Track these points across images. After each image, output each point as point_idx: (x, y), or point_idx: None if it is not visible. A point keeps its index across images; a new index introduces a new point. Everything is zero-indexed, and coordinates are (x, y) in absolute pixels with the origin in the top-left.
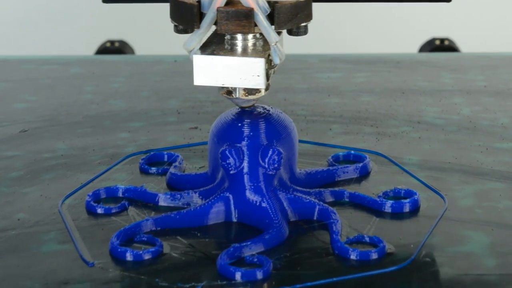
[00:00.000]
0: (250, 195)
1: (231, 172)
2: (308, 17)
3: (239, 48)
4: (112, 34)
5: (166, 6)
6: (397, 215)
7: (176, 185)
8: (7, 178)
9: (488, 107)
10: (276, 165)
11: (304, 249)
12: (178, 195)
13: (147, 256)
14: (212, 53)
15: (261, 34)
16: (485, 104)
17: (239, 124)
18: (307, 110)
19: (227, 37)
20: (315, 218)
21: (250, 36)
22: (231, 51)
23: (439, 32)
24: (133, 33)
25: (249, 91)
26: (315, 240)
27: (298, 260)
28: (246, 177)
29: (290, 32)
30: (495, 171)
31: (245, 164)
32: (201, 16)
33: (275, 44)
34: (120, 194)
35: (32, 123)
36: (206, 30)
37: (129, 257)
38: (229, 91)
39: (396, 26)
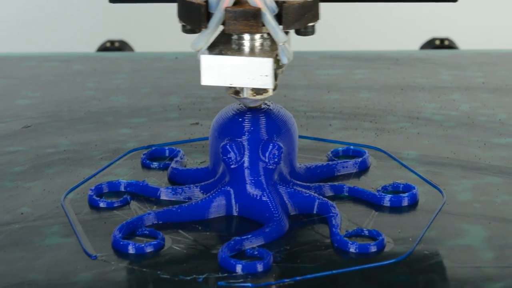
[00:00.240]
0: (250, 189)
1: (232, 166)
2: (315, 17)
3: (246, 48)
4: (112, 34)
5: (166, 6)
6: (395, 209)
7: (177, 179)
8: (11, 173)
9: (486, 103)
10: (276, 160)
11: (304, 242)
12: (180, 190)
13: (149, 249)
14: (220, 53)
15: (268, 34)
16: (483, 100)
17: (240, 119)
18: (307, 106)
19: (235, 37)
20: (314, 212)
21: (257, 36)
22: (239, 51)
23: (439, 32)
24: (133, 33)
25: (257, 91)
26: (315, 233)
27: (298, 253)
28: (246, 172)
29: (297, 32)
30: (493, 166)
31: (246, 158)
32: (209, 16)
33: (283, 44)
34: (122, 189)
35: (35, 119)
36: (213, 30)
37: (131, 250)
38: (237, 91)
39: (396, 25)
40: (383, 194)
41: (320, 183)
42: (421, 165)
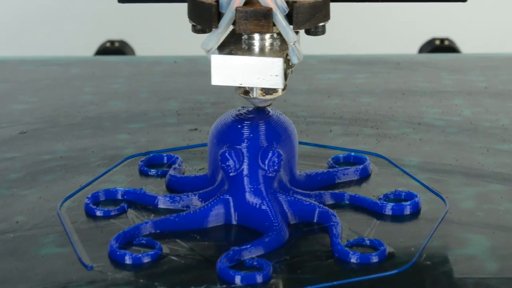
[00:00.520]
0: (250, 197)
1: (231, 174)
2: (326, 17)
3: (256, 48)
4: (112, 34)
5: (167, 6)
6: (397, 217)
7: (175, 187)
8: (6, 180)
9: (489, 108)
10: (276, 167)
11: (304, 252)
12: (178, 198)
13: (146, 259)
14: (230, 53)
15: (278, 33)
16: (486, 106)
17: (239, 126)
18: (307, 112)
19: (244, 37)
20: (315, 220)
21: (267, 35)
22: (249, 51)
23: (439, 32)
24: (133, 33)
25: (267, 91)
26: (315, 243)
27: (298, 263)
28: (246, 179)
29: (308, 32)
30: (496, 173)
31: (245, 166)
32: (219, 16)
33: (293, 44)
34: (119, 197)
35: (31, 124)
36: (224, 30)
37: (128, 260)
38: (246, 91)
39: (396, 26)
40: (384, 202)
41: (321, 191)
42: (423, 172)
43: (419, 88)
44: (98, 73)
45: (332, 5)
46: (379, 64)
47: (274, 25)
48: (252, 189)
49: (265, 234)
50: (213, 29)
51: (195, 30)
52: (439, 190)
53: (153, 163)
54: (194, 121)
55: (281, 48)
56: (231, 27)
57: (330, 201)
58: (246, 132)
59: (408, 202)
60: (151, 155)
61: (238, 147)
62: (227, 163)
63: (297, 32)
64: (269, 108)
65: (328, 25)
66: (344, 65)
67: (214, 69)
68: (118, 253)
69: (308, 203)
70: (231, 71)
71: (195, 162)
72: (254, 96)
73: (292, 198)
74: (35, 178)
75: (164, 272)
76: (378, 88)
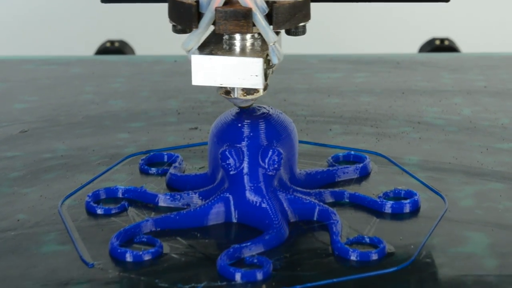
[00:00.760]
0: (250, 195)
1: (231, 172)
2: (306, 17)
3: (237, 48)
4: (112, 34)
5: (166, 6)
6: (397, 215)
7: (176, 185)
8: (7, 179)
9: (488, 107)
10: (276, 166)
11: (304, 250)
12: (178, 196)
13: (147, 257)
14: (210, 53)
15: (259, 34)
16: (485, 105)
17: (239, 125)
18: (307, 111)
19: (225, 37)
20: (315, 218)
21: (248, 36)
22: (230, 51)
23: (439, 32)
24: (133, 33)
25: (248, 91)
26: (315, 240)
27: (298, 260)
28: (246, 178)
29: (288, 32)
30: (496, 172)
31: (245, 164)
32: (200, 16)
33: (273, 44)
34: (120, 195)
35: (32, 123)
36: (204, 30)
37: (129, 258)
38: (227, 91)
39: (396, 26)
40: (384, 200)
41: (321, 189)
42: (422, 171)
43: (418, 87)
44: (98, 73)
45: (332, 4)
46: (379, 64)
47: (254, 25)
48: (252, 187)
49: (265, 232)
50: (194, 29)
51: (176, 30)
52: (438, 189)
53: (154, 161)
54: (194, 120)
55: (262, 48)
56: (212, 27)
57: (330, 199)
58: (246, 130)
59: (408, 200)
60: (151, 153)
61: (238, 145)
62: (227, 162)
63: (278, 33)
64: (269, 107)
65: (328, 24)
66: (344, 64)
67: (194, 69)
68: (119, 250)
69: (308, 201)
70: (212, 71)
71: (196, 160)
72: (235, 96)
73: (292, 196)
74: (36, 177)
75: (165, 269)
76: (378, 87)
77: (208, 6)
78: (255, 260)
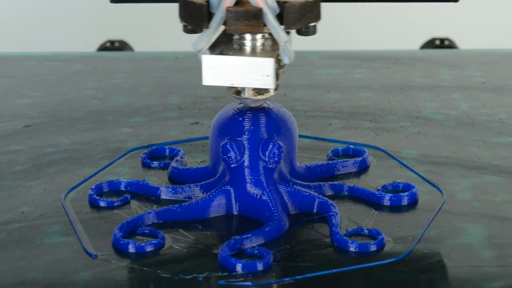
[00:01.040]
0: (250, 188)
1: (232, 165)
2: (317, 17)
3: (248, 48)
4: (112, 34)
5: (166, 6)
6: (395, 208)
7: (177, 179)
8: (11, 172)
9: (486, 102)
10: (276, 159)
11: (304, 241)
12: (180, 189)
13: (149, 248)
14: (221, 53)
15: (269, 34)
16: (483, 100)
17: (240, 118)
18: (307, 106)
19: (236, 37)
20: (314, 211)
21: (259, 36)
22: (240, 51)
23: (439, 32)
24: (133, 33)
25: (258, 91)
26: (315, 232)
27: (298, 252)
28: (246, 171)
29: (299, 32)
30: (493, 165)
31: (246, 157)
32: (210, 16)
33: (284, 44)
34: (122, 188)
35: (35, 118)
36: (215, 30)
37: (131, 249)
38: (238, 91)
39: (396, 25)
40: (383, 193)
41: (320, 182)
42: (421, 165)
43: (417, 83)
44: (100, 69)
45: (332, 4)
46: (378, 60)
47: (265, 25)
48: (253, 180)
49: (266, 224)
50: (204, 29)
51: (186, 30)
52: (436, 182)
53: (156, 155)
54: (196, 115)
55: (273, 48)
56: (223, 27)
57: (329, 192)
58: (247, 124)
59: (406, 193)
60: (153, 147)
61: (239, 139)
62: (228, 155)
63: (288, 32)
64: (269, 101)
65: (329, 22)
66: (344, 60)
67: (205, 69)
68: (121, 242)
69: (308, 194)
70: (222, 71)
71: (197, 154)
72: (246, 96)
73: (292, 189)
74: (40, 170)
75: (167, 260)
76: (377, 83)
77: (219, 6)
78: (256, 251)
